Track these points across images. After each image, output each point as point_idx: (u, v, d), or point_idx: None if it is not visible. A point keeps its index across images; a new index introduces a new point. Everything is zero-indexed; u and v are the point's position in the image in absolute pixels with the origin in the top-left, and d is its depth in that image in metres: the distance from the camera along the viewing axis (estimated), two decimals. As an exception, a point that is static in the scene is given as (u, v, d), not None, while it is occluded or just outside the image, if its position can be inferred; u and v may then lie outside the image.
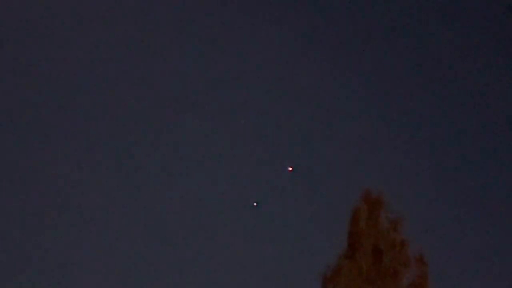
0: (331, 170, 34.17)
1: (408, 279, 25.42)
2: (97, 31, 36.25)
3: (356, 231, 25.58)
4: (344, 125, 35.51)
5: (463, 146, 35.49)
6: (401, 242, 25.50)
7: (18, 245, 33.56)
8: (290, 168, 32.49)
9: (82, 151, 35.69)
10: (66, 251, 33.57)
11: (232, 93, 35.92)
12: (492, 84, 36.25)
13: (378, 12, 36.58)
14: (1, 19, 35.62)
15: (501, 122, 35.85)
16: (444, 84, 36.37)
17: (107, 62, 35.92)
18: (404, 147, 35.29)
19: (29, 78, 36.21)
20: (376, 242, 25.37)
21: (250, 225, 32.68)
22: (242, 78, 36.15)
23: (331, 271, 25.33)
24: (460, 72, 36.37)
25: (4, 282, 31.32)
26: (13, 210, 34.24)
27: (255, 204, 32.75)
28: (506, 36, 37.00)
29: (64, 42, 36.42)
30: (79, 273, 32.64)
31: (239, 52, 36.48)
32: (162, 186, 34.38)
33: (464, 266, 31.42)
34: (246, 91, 35.89)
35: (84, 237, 33.81)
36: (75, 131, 35.93)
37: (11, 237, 33.39)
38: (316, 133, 35.28)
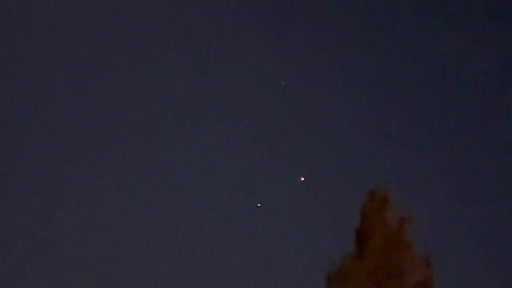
0: (338, 169, 34.24)
1: (414, 279, 25.38)
2: (100, 31, 36.27)
3: (364, 229, 25.52)
4: (350, 124, 35.59)
5: (472, 144, 35.55)
6: (408, 241, 25.46)
7: (19, 245, 33.48)
8: (303, 178, 32.59)
9: (84, 152, 35.67)
10: (67, 250, 33.53)
11: (239, 94, 36.00)
12: (497, 82, 36.39)
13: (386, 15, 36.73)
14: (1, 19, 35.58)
15: (509, 119, 35.96)
16: (452, 82, 36.46)
17: (113, 63, 35.98)
18: (411, 145, 35.35)
19: (30, 78, 36.19)
20: (384, 241, 25.32)
21: (256, 224, 32.71)
22: (248, 80, 36.26)
23: (337, 270, 25.27)
24: (466, 69, 36.47)
25: (4, 282, 31.24)
26: (13, 210, 34.17)
27: (258, 205, 32.85)
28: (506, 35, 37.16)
29: (66, 42, 36.43)
30: (80, 273, 32.60)
31: (245, 55, 36.59)
32: (167, 186, 34.40)
33: (470, 266, 31.44)
34: (253, 92, 35.98)
35: (86, 237, 33.76)
36: (75, 131, 35.90)
37: (11, 237, 33.31)
38: (322, 132, 35.34)
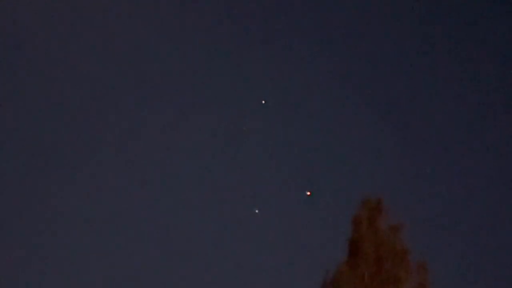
0: (330, 176, 34.20)
1: (410, 286, 25.22)
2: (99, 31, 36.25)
3: (356, 238, 25.40)
4: (342, 132, 35.57)
5: (465, 150, 35.43)
6: (402, 249, 25.32)
7: (19, 245, 33.63)
8: (309, 193, 32.53)
9: (84, 154, 35.71)
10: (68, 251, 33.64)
11: (236, 100, 36.02)
12: (491, 87, 36.21)
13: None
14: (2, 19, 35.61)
15: (502, 126, 35.80)
16: (443, 89, 36.34)
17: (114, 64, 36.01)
18: (403, 152, 35.28)
19: (30, 78, 36.24)
20: (377, 249, 25.18)
21: (250, 232, 32.69)
22: (245, 85, 36.26)
23: (331, 278, 25.16)
24: (458, 76, 36.33)
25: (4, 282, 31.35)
26: (14, 211, 34.30)
27: (256, 211, 32.82)
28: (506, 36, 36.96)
29: (65, 43, 36.44)
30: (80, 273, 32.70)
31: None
32: (167, 188, 34.49)
33: (465, 272, 31.34)
34: (249, 98, 35.96)
35: (86, 240, 33.87)
36: (75, 132, 35.94)
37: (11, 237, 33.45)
38: (314, 140, 35.33)
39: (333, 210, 31.08)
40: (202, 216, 33.91)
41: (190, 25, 36.95)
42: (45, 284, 32.15)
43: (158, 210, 34.26)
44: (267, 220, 32.75)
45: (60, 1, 36.15)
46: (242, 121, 35.28)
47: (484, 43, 36.75)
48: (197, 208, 34.09)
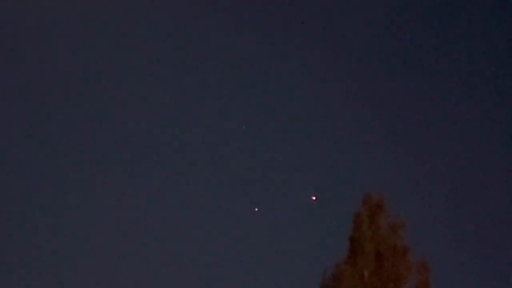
0: (331, 175, 34.19)
1: (410, 285, 25.18)
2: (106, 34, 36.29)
3: (357, 236, 25.35)
4: (344, 130, 35.54)
5: (465, 149, 35.40)
6: (402, 247, 25.29)
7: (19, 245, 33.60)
8: (314, 198, 32.51)
9: (85, 155, 35.72)
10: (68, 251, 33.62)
11: (237, 98, 36.01)
12: (493, 87, 36.19)
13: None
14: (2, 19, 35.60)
15: (503, 126, 35.79)
16: (445, 87, 36.30)
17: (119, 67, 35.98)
18: (405, 151, 35.24)
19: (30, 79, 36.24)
20: (378, 247, 25.14)
21: (250, 230, 32.69)
22: (247, 84, 36.27)
23: (332, 276, 25.12)
24: (460, 75, 36.30)
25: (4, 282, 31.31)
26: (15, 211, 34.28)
27: (256, 209, 32.78)
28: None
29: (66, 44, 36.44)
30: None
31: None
32: (169, 191, 34.49)
33: (466, 271, 31.30)
34: (250, 97, 35.97)
35: (87, 241, 33.86)
36: (77, 133, 35.95)
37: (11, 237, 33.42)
38: (315, 137, 35.31)
39: (334, 208, 31.07)
40: (202, 215, 33.93)
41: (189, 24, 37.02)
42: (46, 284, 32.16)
43: (158, 209, 34.31)
44: (267, 219, 32.76)
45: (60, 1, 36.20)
46: (242, 120, 35.34)
47: (485, 42, 36.76)
48: (197, 207, 34.13)
